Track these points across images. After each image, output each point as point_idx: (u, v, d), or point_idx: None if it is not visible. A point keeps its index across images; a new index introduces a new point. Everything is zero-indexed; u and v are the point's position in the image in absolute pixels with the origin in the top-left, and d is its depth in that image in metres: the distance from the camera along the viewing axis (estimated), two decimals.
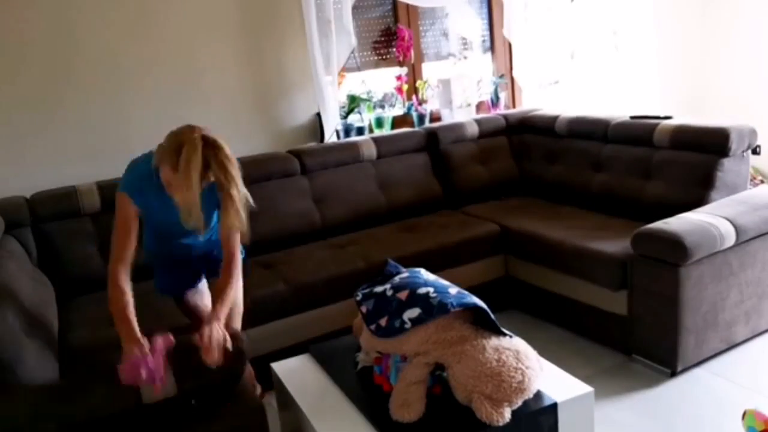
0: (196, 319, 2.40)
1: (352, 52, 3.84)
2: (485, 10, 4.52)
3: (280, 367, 2.36)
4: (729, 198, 2.98)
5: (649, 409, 2.52)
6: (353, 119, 4.00)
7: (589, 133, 3.65)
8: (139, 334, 1.89)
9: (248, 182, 3.35)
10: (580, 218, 3.35)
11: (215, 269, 2.27)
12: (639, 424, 2.44)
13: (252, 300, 2.83)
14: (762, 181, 3.73)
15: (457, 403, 1.92)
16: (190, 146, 1.93)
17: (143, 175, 2.06)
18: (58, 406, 1.64)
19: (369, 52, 4.18)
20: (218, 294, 2.10)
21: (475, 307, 1.97)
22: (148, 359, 1.76)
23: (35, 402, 1.63)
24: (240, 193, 2.09)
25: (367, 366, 2.20)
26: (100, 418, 1.67)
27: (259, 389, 2.53)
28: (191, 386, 1.78)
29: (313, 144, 3.81)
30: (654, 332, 2.73)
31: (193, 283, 2.48)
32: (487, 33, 4.55)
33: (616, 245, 2.86)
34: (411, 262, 3.15)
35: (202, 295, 2.49)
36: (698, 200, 2.99)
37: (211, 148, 1.98)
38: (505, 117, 4.15)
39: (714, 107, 3.85)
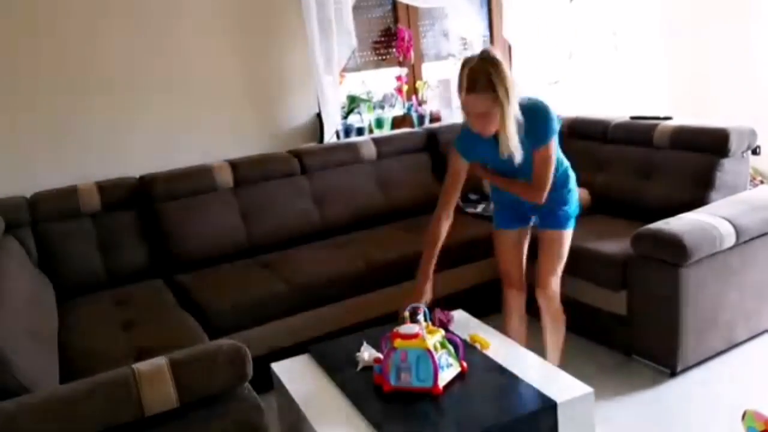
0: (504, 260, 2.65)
1: (353, 52, 3.84)
2: (485, 11, 4.52)
3: (280, 367, 2.36)
4: (729, 198, 2.98)
5: (649, 409, 2.52)
6: (353, 120, 4.00)
7: (589, 133, 3.65)
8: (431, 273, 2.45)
9: (248, 182, 3.40)
10: (580, 218, 3.35)
11: (546, 217, 2.47)
12: (639, 424, 2.44)
13: (252, 300, 2.84)
14: (762, 182, 3.73)
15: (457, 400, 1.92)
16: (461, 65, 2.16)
17: (466, 132, 2.33)
18: (56, 421, 1.63)
19: (369, 52, 4.19)
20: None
21: None
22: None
23: (33, 417, 1.63)
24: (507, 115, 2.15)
25: (367, 366, 2.20)
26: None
27: None
28: (194, 396, 1.77)
29: (313, 144, 3.81)
30: (654, 332, 2.73)
31: (520, 224, 2.59)
32: (487, 33, 4.55)
33: (616, 245, 2.86)
34: (411, 262, 3.15)
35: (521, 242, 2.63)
36: (698, 200, 2.99)
37: (486, 64, 2.11)
38: None
39: (714, 107, 3.84)
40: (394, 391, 2.04)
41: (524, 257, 2.63)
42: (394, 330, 2.10)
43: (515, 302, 2.66)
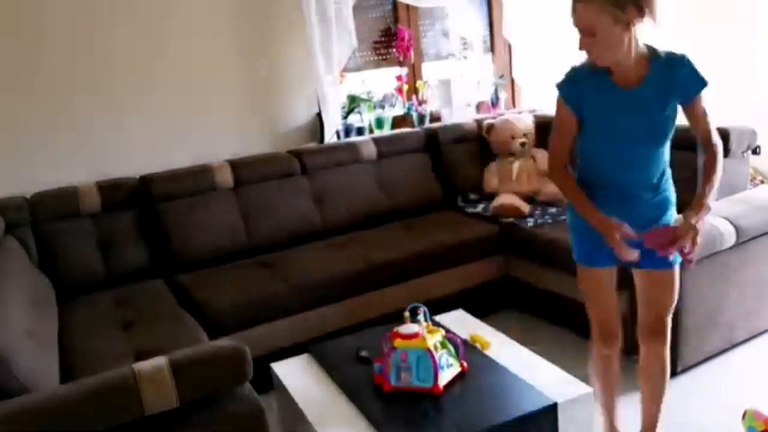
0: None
1: (353, 52, 3.84)
2: (485, 10, 4.52)
3: (280, 367, 2.36)
4: (729, 198, 2.98)
5: None
6: (353, 119, 4.00)
7: None
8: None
9: (248, 182, 3.40)
10: None
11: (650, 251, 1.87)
12: (639, 424, 2.44)
13: (252, 300, 2.84)
14: (762, 182, 3.73)
15: (456, 401, 1.92)
16: None
17: (578, 68, 1.91)
18: (56, 421, 1.63)
19: (369, 52, 4.18)
20: (704, 176, 1.87)
21: None
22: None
23: (33, 417, 1.63)
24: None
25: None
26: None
27: None
28: (194, 396, 1.77)
29: (313, 144, 3.81)
30: None
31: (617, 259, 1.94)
32: (487, 33, 4.55)
33: None
34: (411, 261, 3.16)
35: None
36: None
37: None
38: None
39: (714, 107, 3.84)
40: (394, 391, 2.04)
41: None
42: (394, 330, 2.10)
43: (610, 363, 2.16)
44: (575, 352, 2.95)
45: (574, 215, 2.03)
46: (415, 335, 2.05)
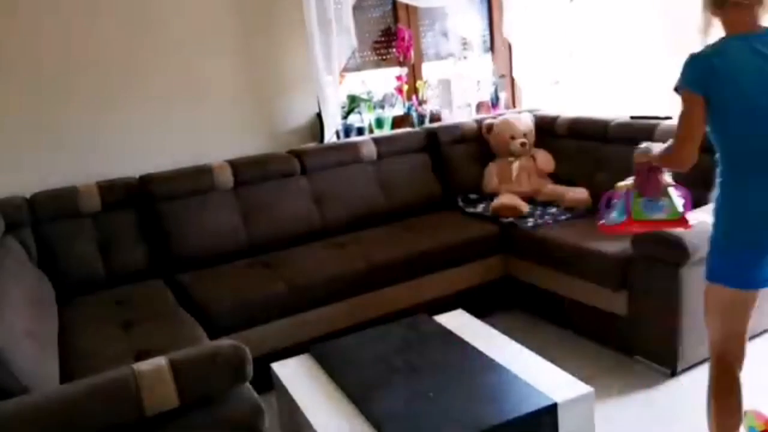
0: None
1: (353, 52, 3.84)
2: (485, 10, 4.52)
3: (280, 367, 2.36)
4: None
5: (649, 409, 2.52)
6: (353, 119, 4.00)
7: (589, 132, 3.65)
8: None
9: (248, 182, 3.40)
10: (580, 218, 3.35)
11: None
12: (639, 424, 2.44)
13: (252, 300, 2.84)
14: None
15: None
16: None
17: (708, 53, 1.79)
18: (56, 421, 1.63)
19: (369, 52, 4.18)
20: None
21: None
22: None
23: (33, 417, 1.63)
24: None
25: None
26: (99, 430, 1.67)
27: None
28: (194, 396, 1.77)
29: (313, 144, 3.81)
30: (654, 332, 2.73)
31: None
32: (487, 33, 4.55)
33: (616, 245, 2.86)
34: (411, 261, 3.16)
35: None
36: (698, 200, 2.99)
37: None
38: None
39: None
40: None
41: None
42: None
43: (733, 392, 1.96)
44: (575, 352, 2.96)
45: (729, 226, 1.87)
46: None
